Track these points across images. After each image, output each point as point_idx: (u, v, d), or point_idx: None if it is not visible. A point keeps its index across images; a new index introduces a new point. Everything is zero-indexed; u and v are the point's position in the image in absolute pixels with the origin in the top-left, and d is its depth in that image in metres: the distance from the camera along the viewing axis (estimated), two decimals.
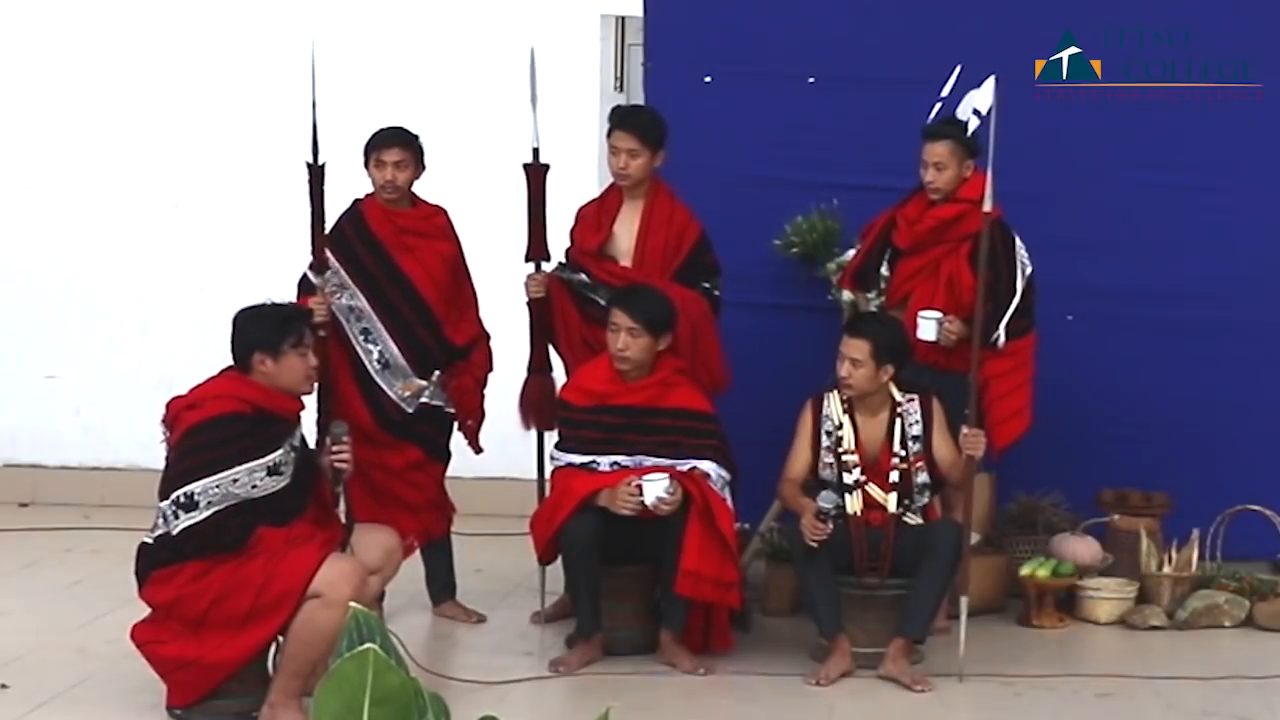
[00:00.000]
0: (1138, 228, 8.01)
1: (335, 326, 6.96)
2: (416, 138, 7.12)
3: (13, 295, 9.37)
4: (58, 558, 8.22)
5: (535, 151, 7.16)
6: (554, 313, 7.17)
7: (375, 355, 7.08)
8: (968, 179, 7.11)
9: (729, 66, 8.08)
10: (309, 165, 6.83)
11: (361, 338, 7.08)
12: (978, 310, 6.79)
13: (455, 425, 7.26)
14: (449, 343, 7.15)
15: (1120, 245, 8.01)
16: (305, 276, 7.02)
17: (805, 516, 6.61)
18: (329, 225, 7.00)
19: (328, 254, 6.98)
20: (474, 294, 7.29)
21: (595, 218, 7.22)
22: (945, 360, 7.06)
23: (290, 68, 9.02)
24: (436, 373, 7.13)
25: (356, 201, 7.15)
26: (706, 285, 7.15)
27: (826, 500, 6.61)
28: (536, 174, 7.18)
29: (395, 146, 7.05)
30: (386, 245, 7.09)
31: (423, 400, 7.11)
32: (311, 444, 6.34)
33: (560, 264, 7.26)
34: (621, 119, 7.14)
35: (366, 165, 7.09)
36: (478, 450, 7.31)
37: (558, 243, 7.25)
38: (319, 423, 6.89)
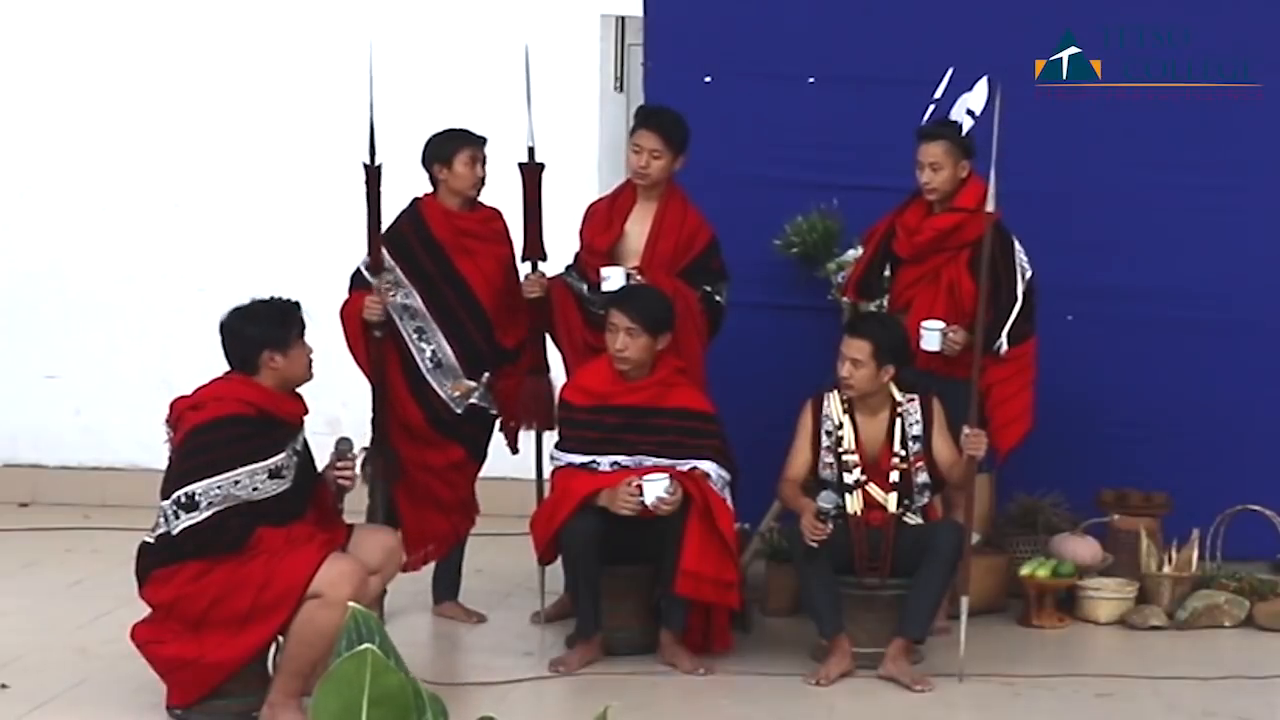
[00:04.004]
0: (1138, 228, 8.01)
1: (389, 324, 6.98)
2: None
3: (13, 295, 9.37)
4: (58, 558, 8.22)
5: (530, 150, 7.15)
6: (556, 313, 7.17)
7: (428, 354, 7.09)
8: (964, 180, 7.12)
9: (729, 66, 8.08)
10: (365, 166, 6.87)
11: (415, 336, 7.10)
12: (980, 313, 6.79)
13: (496, 427, 7.29)
14: (499, 345, 7.17)
15: (1120, 245, 8.01)
16: (359, 272, 7.04)
17: (805, 517, 6.61)
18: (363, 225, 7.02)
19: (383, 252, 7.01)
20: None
21: (606, 215, 7.21)
22: (946, 367, 7.06)
23: (291, 67, 9.05)
24: (486, 374, 7.15)
25: (415, 201, 7.16)
26: (708, 289, 7.14)
27: (826, 500, 6.61)
28: (532, 173, 7.17)
29: (482, 146, 7.10)
30: (445, 247, 7.10)
31: (470, 401, 7.13)
32: (317, 443, 6.36)
33: (568, 267, 7.26)
34: (646, 119, 7.13)
35: (447, 164, 7.07)
36: (515, 451, 7.34)
37: (555, 242, 7.24)
38: (373, 421, 6.95)
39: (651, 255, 7.10)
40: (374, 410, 7.00)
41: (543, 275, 7.16)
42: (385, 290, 6.94)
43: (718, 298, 7.17)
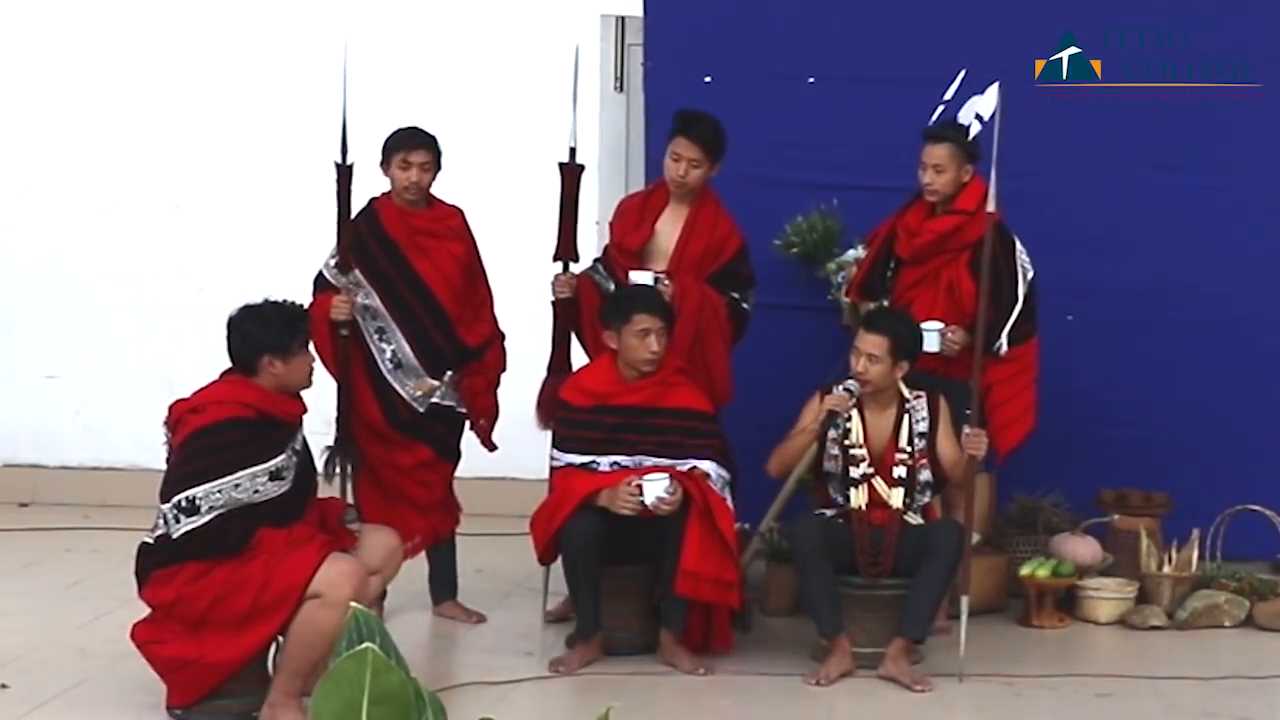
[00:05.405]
0: (1138, 228, 8.01)
1: (353, 323, 6.99)
2: (436, 139, 7.13)
3: (13, 295, 9.37)
4: (58, 558, 8.22)
5: (572, 151, 7.14)
6: (584, 310, 7.16)
7: (388, 354, 7.09)
8: (966, 184, 7.12)
9: (729, 66, 8.08)
10: (337, 165, 6.91)
11: (376, 336, 7.10)
12: (980, 312, 6.79)
13: (466, 425, 7.28)
14: (462, 343, 7.16)
15: (1120, 245, 8.01)
16: (321, 274, 7.05)
17: (827, 400, 6.62)
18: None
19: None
20: (489, 294, 7.29)
21: (638, 213, 7.20)
22: (945, 367, 7.06)
23: (290, 67, 9.05)
24: (449, 373, 7.14)
25: (372, 201, 7.16)
26: (735, 296, 7.14)
27: (852, 386, 6.63)
28: (571, 174, 7.16)
29: (422, 149, 7.06)
30: (401, 246, 7.09)
31: (434, 400, 7.13)
32: (316, 443, 6.37)
33: (596, 261, 7.26)
34: (686, 127, 7.08)
35: (386, 165, 7.07)
36: (491, 449, 7.33)
37: (581, 243, 7.23)
38: (338, 420, 6.98)
39: (681, 258, 7.10)
40: (338, 409, 7.01)
41: (572, 276, 7.16)
42: (351, 290, 6.94)
43: (745, 304, 7.17)
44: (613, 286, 7.13)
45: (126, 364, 9.29)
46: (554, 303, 7.19)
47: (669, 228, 7.15)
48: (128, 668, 6.23)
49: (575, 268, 7.20)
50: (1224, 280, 8.01)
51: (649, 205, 7.21)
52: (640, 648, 6.84)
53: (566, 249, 7.17)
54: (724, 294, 7.12)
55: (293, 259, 7.65)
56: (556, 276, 7.17)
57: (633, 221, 7.19)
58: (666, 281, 7.00)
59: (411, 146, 7.05)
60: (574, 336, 7.26)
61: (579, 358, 7.27)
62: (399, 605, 7.26)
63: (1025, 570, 7.44)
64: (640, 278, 7.00)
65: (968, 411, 6.69)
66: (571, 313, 7.17)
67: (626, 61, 8.93)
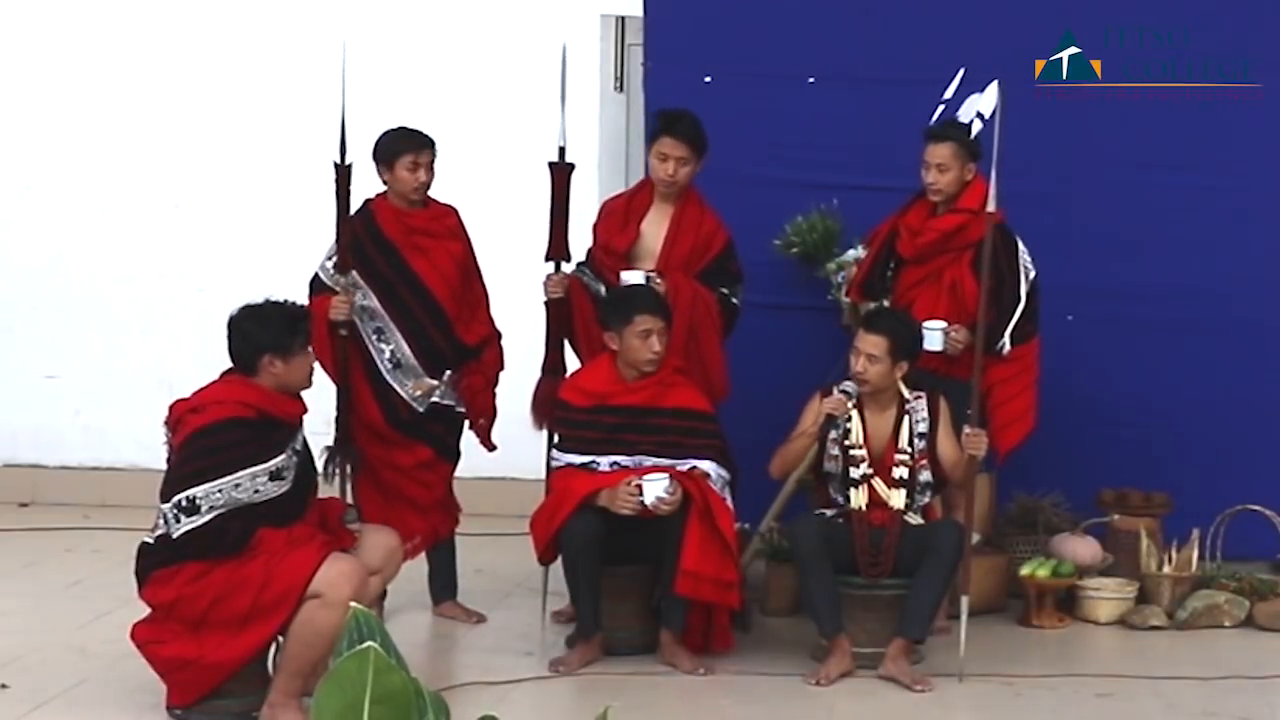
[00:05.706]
0: (1137, 227, 8.02)
1: (352, 324, 6.99)
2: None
3: (13, 295, 9.37)
4: (58, 558, 8.22)
5: (561, 150, 7.14)
6: (574, 312, 7.17)
7: (387, 355, 7.09)
8: (969, 183, 7.12)
9: (729, 66, 8.08)
10: (336, 165, 6.91)
11: (374, 337, 7.10)
12: (981, 313, 6.79)
13: (465, 425, 7.28)
14: (460, 342, 7.16)
15: (1120, 245, 8.02)
16: (317, 276, 7.05)
17: (825, 402, 6.62)
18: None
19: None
20: (485, 293, 7.29)
21: (623, 214, 7.20)
22: (946, 367, 7.06)
23: (289, 67, 9.05)
24: (448, 372, 7.15)
25: (367, 202, 7.16)
26: (725, 291, 7.14)
27: (849, 387, 6.61)
28: (561, 173, 7.16)
29: (428, 149, 7.08)
30: (398, 246, 7.10)
31: (433, 400, 7.13)
32: (316, 443, 6.37)
33: (580, 264, 7.26)
34: (671, 126, 7.07)
35: (390, 168, 7.06)
36: (490, 448, 7.33)
37: (576, 243, 7.24)
38: (338, 420, 6.99)
39: (668, 257, 7.10)
40: (338, 409, 7.02)
41: (564, 276, 7.16)
42: (350, 290, 6.95)
43: (734, 300, 7.18)
44: (601, 288, 7.13)
45: (126, 364, 9.29)
46: (546, 303, 7.19)
47: (655, 228, 7.15)
48: (128, 668, 6.23)
49: (566, 268, 7.20)
50: (1224, 280, 8.01)
51: (633, 206, 7.21)
52: (640, 648, 6.85)
53: (558, 249, 7.17)
54: (714, 290, 7.12)
55: (293, 259, 7.65)
56: (549, 276, 7.17)
57: (618, 223, 7.19)
58: (659, 280, 7.01)
59: (420, 147, 7.07)
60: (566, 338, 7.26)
61: (574, 358, 7.27)
62: (399, 605, 7.27)
63: (1025, 570, 7.44)
64: (632, 277, 7.00)
65: (968, 411, 6.69)
66: (564, 313, 7.17)
67: (626, 61, 8.93)
